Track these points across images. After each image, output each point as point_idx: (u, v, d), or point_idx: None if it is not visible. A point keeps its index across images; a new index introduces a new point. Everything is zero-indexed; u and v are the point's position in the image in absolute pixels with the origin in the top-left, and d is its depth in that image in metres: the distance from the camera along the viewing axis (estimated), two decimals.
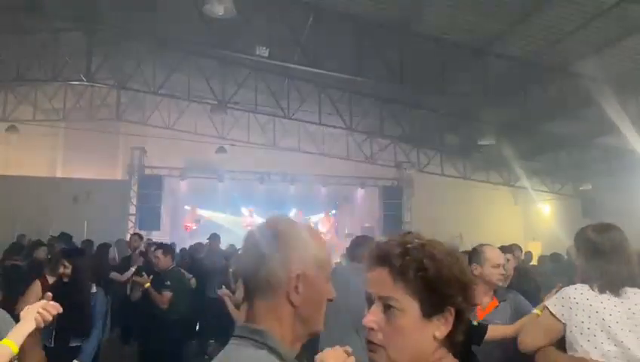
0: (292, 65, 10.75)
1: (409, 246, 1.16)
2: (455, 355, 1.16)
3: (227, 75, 12.64)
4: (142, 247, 7.99)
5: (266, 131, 15.98)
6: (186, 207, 17.77)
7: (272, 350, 1.12)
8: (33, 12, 9.80)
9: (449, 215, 16.38)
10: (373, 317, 1.15)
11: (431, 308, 1.12)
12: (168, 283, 5.43)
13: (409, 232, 1.25)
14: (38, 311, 1.79)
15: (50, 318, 1.81)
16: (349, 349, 1.36)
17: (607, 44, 8.60)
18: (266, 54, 9.00)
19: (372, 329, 1.14)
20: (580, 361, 2.19)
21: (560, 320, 2.29)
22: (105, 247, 8.58)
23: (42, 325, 1.79)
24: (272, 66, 11.45)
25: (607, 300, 2.25)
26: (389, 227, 16.79)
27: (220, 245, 9.49)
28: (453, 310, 1.13)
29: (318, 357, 1.33)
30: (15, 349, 1.72)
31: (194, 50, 11.77)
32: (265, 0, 8.94)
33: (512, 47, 9.44)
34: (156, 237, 12.62)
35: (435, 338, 1.13)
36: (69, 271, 4.22)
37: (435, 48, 9.58)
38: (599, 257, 2.37)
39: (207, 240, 9.33)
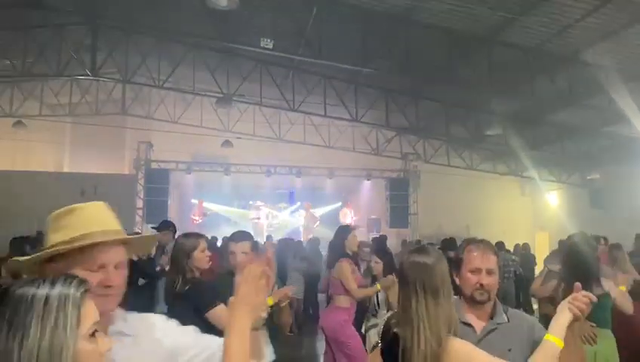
0: (297, 57, 10.73)
1: None
2: None
3: (232, 68, 12.60)
4: None
5: (272, 124, 15.95)
6: (193, 201, 17.83)
7: None
8: (37, 7, 9.81)
9: (456, 206, 16.33)
10: None
11: None
12: None
13: None
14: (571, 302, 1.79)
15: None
16: None
17: (616, 31, 8.49)
18: (271, 46, 8.97)
19: None
20: None
21: None
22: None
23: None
24: (276, 58, 11.41)
25: None
26: (395, 219, 16.80)
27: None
28: None
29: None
30: (561, 344, 1.76)
31: (198, 43, 11.74)
32: None
33: (519, 36, 9.34)
34: None
35: None
36: None
37: (441, 38, 9.50)
38: None
39: None
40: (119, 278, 1.41)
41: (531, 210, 18.69)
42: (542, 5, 8.10)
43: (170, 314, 1.79)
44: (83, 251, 1.36)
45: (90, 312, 1.04)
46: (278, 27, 9.21)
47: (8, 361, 0.92)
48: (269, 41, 8.94)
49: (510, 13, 8.54)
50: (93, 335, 1.03)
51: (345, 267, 4.98)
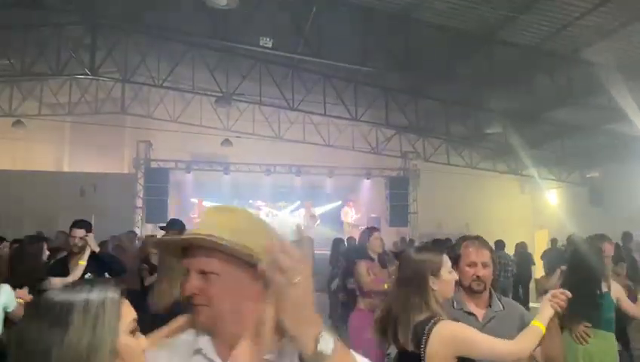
0: (296, 56, 10.71)
1: None
2: None
3: (231, 67, 12.59)
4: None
5: (271, 123, 15.95)
6: (193, 200, 17.82)
7: None
8: (37, 7, 9.80)
9: (456, 204, 16.32)
10: None
11: None
12: None
13: None
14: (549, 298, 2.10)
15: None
16: None
17: (615, 29, 8.48)
18: (270, 45, 8.97)
19: None
20: None
21: None
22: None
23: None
24: (276, 57, 11.40)
25: None
26: (395, 217, 16.80)
27: None
28: None
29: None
30: (544, 329, 2.06)
31: (197, 42, 11.73)
32: None
33: (519, 34, 9.34)
34: None
35: None
36: None
37: (441, 36, 9.49)
38: None
39: None
40: (196, 288, 1.15)
41: (531, 208, 18.68)
42: (542, 4, 8.09)
43: None
44: (186, 253, 1.22)
45: (128, 311, 1.08)
46: (277, 26, 9.20)
47: (47, 359, 0.95)
48: (268, 39, 8.94)
49: (510, 12, 8.54)
50: (133, 333, 1.07)
51: (360, 267, 5.16)
